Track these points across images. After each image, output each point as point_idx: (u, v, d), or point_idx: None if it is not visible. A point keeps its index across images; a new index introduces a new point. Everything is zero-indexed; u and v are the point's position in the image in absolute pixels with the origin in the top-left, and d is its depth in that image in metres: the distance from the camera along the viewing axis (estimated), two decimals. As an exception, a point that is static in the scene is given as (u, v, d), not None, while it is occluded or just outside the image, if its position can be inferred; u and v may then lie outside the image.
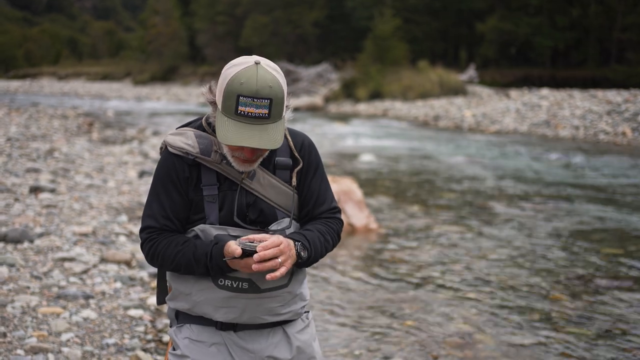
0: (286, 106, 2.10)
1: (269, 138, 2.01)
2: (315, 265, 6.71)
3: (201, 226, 2.18)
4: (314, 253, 2.19)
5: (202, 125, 2.24)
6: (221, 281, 2.18)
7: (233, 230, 2.16)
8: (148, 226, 2.21)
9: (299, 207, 2.31)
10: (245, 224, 2.18)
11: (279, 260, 2.01)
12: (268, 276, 2.00)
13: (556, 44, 47.15)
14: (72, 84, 68.59)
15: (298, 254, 2.12)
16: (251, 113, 1.99)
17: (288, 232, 2.22)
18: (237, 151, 2.10)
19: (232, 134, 2.00)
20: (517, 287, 6.15)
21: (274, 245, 2.02)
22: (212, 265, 2.11)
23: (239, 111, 1.99)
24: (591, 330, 5.09)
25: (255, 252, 1.99)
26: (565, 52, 49.57)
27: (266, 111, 1.99)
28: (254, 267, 1.99)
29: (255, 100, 1.98)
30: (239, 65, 2.02)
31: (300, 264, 2.16)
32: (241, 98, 1.98)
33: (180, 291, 2.25)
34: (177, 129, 2.28)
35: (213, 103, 2.14)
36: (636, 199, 10.88)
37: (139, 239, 2.26)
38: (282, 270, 2.02)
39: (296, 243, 2.13)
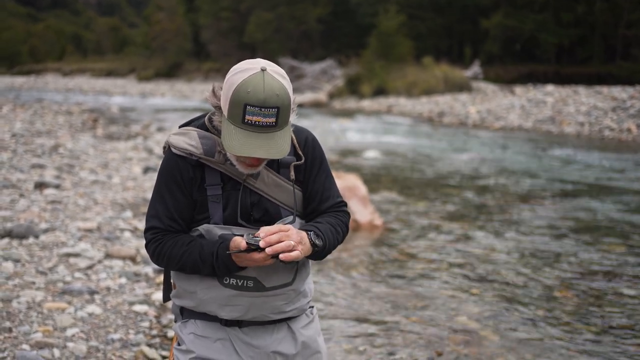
0: (292, 110, 2.09)
1: (276, 147, 2.00)
2: (319, 260, 6.72)
3: (205, 226, 2.17)
4: (328, 242, 2.18)
5: (205, 124, 2.23)
6: (226, 280, 2.17)
7: (237, 230, 2.15)
8: (153, 227, 2.20)
9: (304, 204, 2.31)
10: (250, 224, 2.18)
11: (291, 242, 2.00)
12: (282, 256, 1.97)
13: (561, 41, 46.94)
14: (77, 80, 68.63)
15: (313, 243, 2.11)
16: (258, 122, 1.97)
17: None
18: (243, 156, 2.09)
19: (239, 144, 1.98)
20: (521, 283, 6.14)
21: (278, 229, 2.01)
22: (218, 265, 2.10)
23: (246, 120, 1.97)
24: (596, 326, 5.09)
25: (260, 247, 2.00)
26: (570, 49, 49.37)
27: (273, 120, 1.98)
28: (268, 250, 1.97)
29: (263, 109, 1.95)
30: (245, 72, 1.99)
31: (316, 254, 2.15)
32: (248, 107, 1.95)
33: (185, 289, 2.25)
34: (179, 127, 2.26)
35: (218, 108, 2.12)
36: (641, 195, 10.85)
37: (144, 238, 2.25)
38: (297, 253, 2.00)
39: (309, 233, 2.12)
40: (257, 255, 2.01)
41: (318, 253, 2.16)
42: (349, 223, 2.36)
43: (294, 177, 2.23)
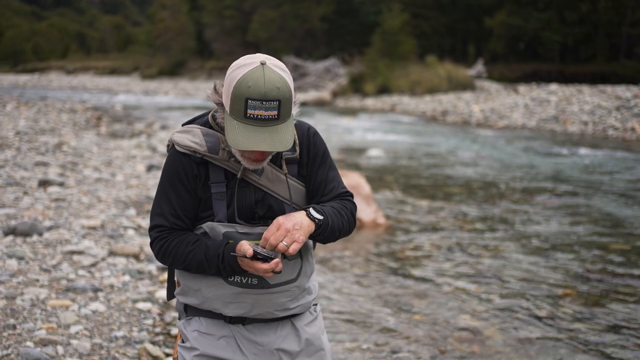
0: (294, 102, 2.09)
1: (280, 140, 2.00)
2: (323, 258, 6.72)
3: (209, 224, 2.17)
4: (331, 219, 2.16)
5: (209, 122, 2.23)
6: (230, 277, 2.17)
7: (241, 227, 2.15)
8: (158, 225, 2.20)
9: (308, 198, 2.30)
10: (254, 221, 2.18)
11: (284, 243, 2.00)
12: (291, 249, 2.00)
13: (565, 39, 46.91)
14: (81, 78, 68.69)
15: (312, 218, 2.10)
16: (260, 116, 1.97)
17: None
18: (247, 152, 2.09)
19: (242, 139, 1.98)
20: (525, 282, 6.14)
21: (273, 229, 2.03)
22: (224, 267, 2.11)
23: (248, 114, 1.97)
24: (599, 326, 5.08)
25: (265, 257, 2.00)
26: (574, 48, 49.32)
27: (275, 112, 1.98)
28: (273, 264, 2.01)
29: (264, 102, 1.96)
30: (245, 67, 1.99)
31: (321, 231, 2.13)
32: (250, 101, 1.96)
33: (190, 287, 2.25)
34: (183, 125, 2.26)
35: (220, 104, 2.13)
36: (645, 194, 10.83)
37: (149, 237, 2.25)
38: (295, 245, 2.01)
39: (307, 209, 2.12)
40: (260, 265, 2.02)
41: (322, 229, 2.14)
42: (355, 212, 2.32)
43: (286, 170, 2.22)
